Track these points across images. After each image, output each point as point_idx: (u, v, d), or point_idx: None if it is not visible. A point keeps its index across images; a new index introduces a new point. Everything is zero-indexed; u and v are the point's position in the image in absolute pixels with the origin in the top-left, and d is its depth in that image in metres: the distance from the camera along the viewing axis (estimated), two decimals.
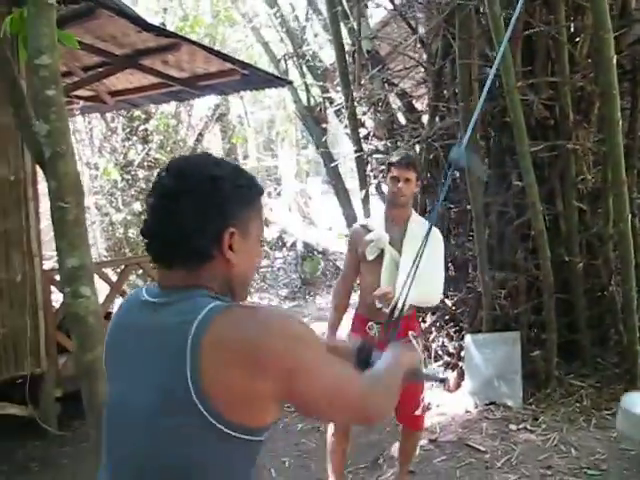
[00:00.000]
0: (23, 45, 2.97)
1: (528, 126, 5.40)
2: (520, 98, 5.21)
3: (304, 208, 15.79)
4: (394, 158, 3.92)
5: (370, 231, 3.95)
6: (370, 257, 3.89)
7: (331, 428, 4.11)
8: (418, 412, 4.04)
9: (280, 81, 6.63)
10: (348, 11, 7.02)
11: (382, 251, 3.88)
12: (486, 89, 2.56)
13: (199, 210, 1.46)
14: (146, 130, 11.95)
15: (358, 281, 4.14)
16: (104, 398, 2.54)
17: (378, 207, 4.43)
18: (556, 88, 5.50)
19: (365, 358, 1.92)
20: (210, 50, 6.11)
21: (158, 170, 1.62)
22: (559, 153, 5.60)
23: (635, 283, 5.45)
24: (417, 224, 3.96)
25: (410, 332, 3.87)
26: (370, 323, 3.89)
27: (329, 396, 1.47)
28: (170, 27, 11.96)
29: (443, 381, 1.87)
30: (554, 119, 5.64)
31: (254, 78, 6.50)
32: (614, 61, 4.95)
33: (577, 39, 5.66)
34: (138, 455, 1.43)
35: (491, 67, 5.24)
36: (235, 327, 1.39)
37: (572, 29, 5.72)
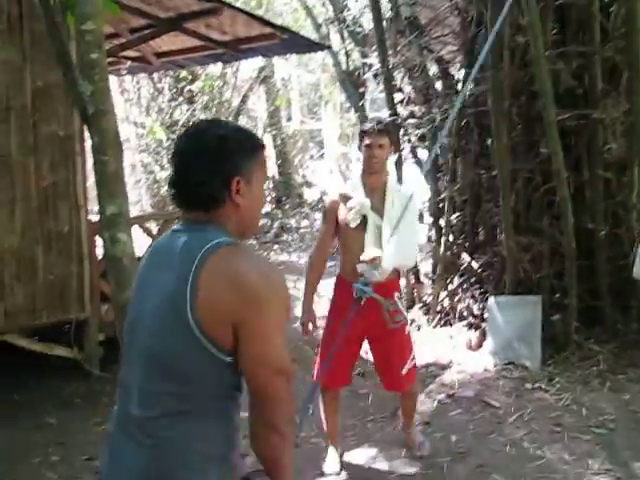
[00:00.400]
0: (71, 12, 3.25)
1: (556, 94, 5.54)
2: (549, 67, 5.35)
3: (346, 171, 16.01)
4: (367, 126, 3.98)
5: (348, 198, 4.03)
6: (353, 224, 3.98)
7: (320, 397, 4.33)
8: (404, 371, 4.18)
9: (318, 46, 6.84)
10: None
11: (364, 217, 3.97)
12: (477, 67, 2.74)
13: (209, 164, 1.80)
14: (191, 91, 12.26)
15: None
16: None
17: (353, 175, 4.54)
18: (586, 57, 5.61)
19: None
20: (250, 15, 6.34)
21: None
22: (586, 122, 5.73)
23: None
24: (395, 189, 4.12)
25: (395, 293, 4.12)
26: (355, 285, 3.95)
27: (265, 346, 1.77)
28: None
29: None
30: (583, 88, 5.75)
31: (293, 42, 6.72)
32: None
33: (610, 9, 5.73)
34: (145, 346, 1.81)
35: (522, 36, 5.41)
36: (235, 258, 1.75)
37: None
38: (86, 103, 3.10)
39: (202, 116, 12.03)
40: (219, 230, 1.81)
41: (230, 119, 13.18)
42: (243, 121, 14.18)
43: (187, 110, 11.91)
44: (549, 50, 5.46)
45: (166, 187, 11.57)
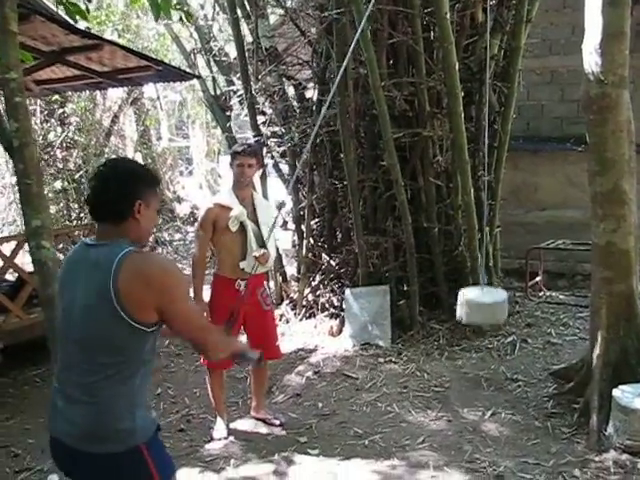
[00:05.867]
0: None
1: (392, 116, 6.66)
2: (385, 94, 6.46)
3: (214, 185, 16.79)
4: (239, 148, 4.89)
5: (226, 207, 4.86)
6: (234, 229, 4.83)
7: (207, 376, 5.19)
8: (278, 342, 5.26)
9: (189, 76, 7.66)
10: (250, 12, 8.02)
11: (241, 223, 4.85)
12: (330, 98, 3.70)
13: (120, 189, 2.51)
14: (64, 113, 12.69)
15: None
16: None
17: (224, 188, 5.45)
18: (415, 86, 6.76)
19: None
20: (129, 50, 7.09)
21: (94, 164, 2.81)
22: (419, 139, 6.87)
23: (478, 244, 6.79)
24: (260, 199, 5.17)
25: (265, 283, 5.23)
26: (238, 281, 4.86)
27: (185, 316, 2.52)
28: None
29: (260, 360, 3.11)
30: (414, 111, 6.90)
31: (167, 73, 7.51)
32: (456, 67, 6.24)
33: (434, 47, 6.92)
34: (80, 332, 2.50)
35: (364, 68, 6.44)
36: (141, 262, 2.45)
37: (432, 38, 6.95)
38: (11, 138, 3.84)
39: (76, 138, 12.54)
40: (124, 241, 2.47)
41: (101, 139, 13.71)
42: (114, 141, 14.65)
43: (61, 132, 12.34)
44: (385, 80, 6.57)
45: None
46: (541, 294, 8.62)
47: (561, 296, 8.61)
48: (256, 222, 4.95)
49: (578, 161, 8.08)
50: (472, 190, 6.71)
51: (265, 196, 7.88)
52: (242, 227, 4.89)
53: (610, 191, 5.17)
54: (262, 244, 4.89)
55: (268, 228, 4.91)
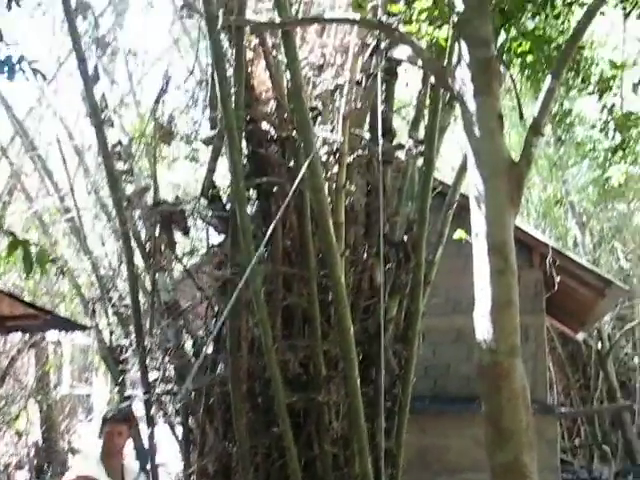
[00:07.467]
0: None
1: (287, 380, 6.39)
2: (279, 357, 6.24)
3: None
4: (108, 414, 4.64)
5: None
6: None
7: None
8: None
9: (79, 327, 7.38)
10: (149, 265, 7.92)
11: None
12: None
13: None
14: None
15: None
16: None
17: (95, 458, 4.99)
18: (310, 349, 6.58)
19: None
20: (15, 297, 6.83)
21: None
22: (313, 404, 6.56)
23: None
24: (131, 470, 4.77)
25: None
26: None
27: None
28: None
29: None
30: (309, 375, 6.66)
31: (56, 322, 7.21)
32: (351, 331, 6.13)
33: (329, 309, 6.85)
34: None
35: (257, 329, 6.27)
36: None
37: (328, 300, 6.89)
38: None
39: None
40: None
41: None
42: (9, 384, 13.92)
43: None
44: (278, 342, 6.38)
45: None
46: None
47: None
48: None
49: None
50: (370, 458, 6.33)
51: (152, 458, 7.31)
52: None
53: (510, 464, 4.93)
54: None
55: None
